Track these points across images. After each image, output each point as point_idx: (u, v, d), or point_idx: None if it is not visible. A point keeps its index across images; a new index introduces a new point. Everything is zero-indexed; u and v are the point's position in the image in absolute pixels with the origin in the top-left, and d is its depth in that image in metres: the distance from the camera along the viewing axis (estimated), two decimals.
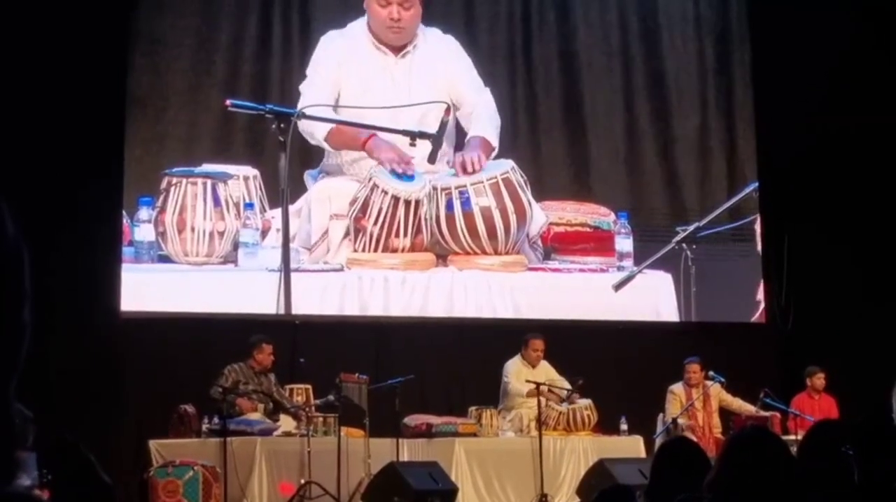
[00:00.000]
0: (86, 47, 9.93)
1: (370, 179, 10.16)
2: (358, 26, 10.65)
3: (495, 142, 10.68)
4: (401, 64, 10.62)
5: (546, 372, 10.37)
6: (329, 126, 10.22)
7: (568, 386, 10.25)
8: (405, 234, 10.22)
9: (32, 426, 3.64)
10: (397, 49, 10.63)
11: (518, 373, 10.31)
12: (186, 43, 10.70)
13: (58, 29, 9.86)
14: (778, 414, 10.52)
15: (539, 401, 9.87)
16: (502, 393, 10.37)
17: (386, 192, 10.11)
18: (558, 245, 11.04)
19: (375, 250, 10.23)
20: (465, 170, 10.31)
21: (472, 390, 10.72)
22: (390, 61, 10.61)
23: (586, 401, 10.23)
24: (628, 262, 11.09)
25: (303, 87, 10.44)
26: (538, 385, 9.93)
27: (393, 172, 10.16)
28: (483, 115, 10.72)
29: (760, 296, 11.79)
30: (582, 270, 11.03)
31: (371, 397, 9.71)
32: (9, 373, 1.39)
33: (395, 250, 10.27)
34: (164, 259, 10.11)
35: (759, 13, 12.19)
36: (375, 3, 10.54)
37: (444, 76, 10.68)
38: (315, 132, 10.20)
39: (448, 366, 10.87)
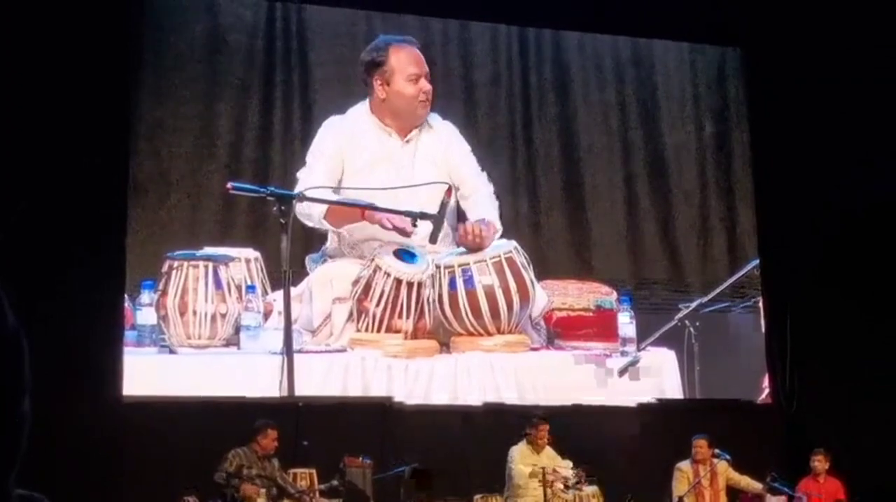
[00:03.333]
0: (87, 133, 10.01)
1: (372, 260, 10.16)
2: (360, 109, 10.69)
3: (498, 225, 10.71)
4: (406, 149, 10.66)
5: (551, 458, 10.28)
6: (325, 206, 10.22)
7: (572, 472, 10.16)
8: (408, 316, 10.19)
9: None
10: (404, 131, 10.67)
11: (523, 459, 10.22)
12: (188, 128, 10.78)
13: (60, 116, 9.93)
14: (784, 498, 10.46)
15: (545, 490, 9.78)
16: (507, 479, 10.28)
17: (388, 274, 10.10)
18: (561, 329, 11.01)
19: (378, 331, 10.20)
20: (468, 236, 10.30)
21: (477, 476, 10.62)
22: (396, 145, 10.64)
23: (592, 489, 10.11)
24: (631, 347, 11.06)
25: (301, 174, 10.43)
26: (543, 470, 9.84)
27: (396, 254, 10.16)
28: (485, 199, 10.75)
29: (765, 375, 11.75)
30: (586, 356, 11.00)
31: (376, 483, 9.63)
32: (8, 464, 1.37)
33: (397, 331, 10.24)
34: (166, 342, 10.08)
35: (756, 92, 12.30)
36: (403, 82, 10.56)
37: (445, 161, 10.71)
38: (313, 213, 10.19)
39: (453, 452, 10.78)
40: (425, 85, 10.58)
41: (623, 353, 11.03)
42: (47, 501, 1.51)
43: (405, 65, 10.58)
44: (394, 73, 10.58)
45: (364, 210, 10.14)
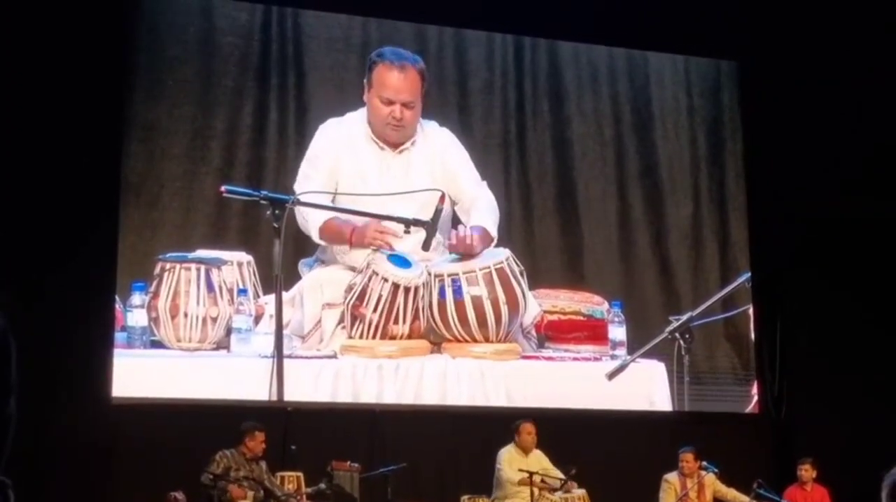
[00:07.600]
0: (80, 134, 10.00)
1: (368, 266, 10.15)
2: (357, 117, 10.67)
3: (494, 233, 10.69)
4: (399, 159, 10.64)
5: (539, 460, 10.29)
6: (322, 222, 10.23)
7: (561, 475, 10.17)
8: (404, 321, 10.19)
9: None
10: (395, 145, 10.67)
11: (511, 462, 10.23)
12: (181, 130, 10.75)
13: (54, 116, 9.93)
14: None
15: (532, 491, 9.79)
16: (495, 482, 10.28)
17: (386, 280, 10.09)
18: (552, 333, 11.02)
19: (374, 337, 10.18)
20: (458, 243, 10.30)
21: (465, 479, 10.63)
22: (388, 156, 10.63)
23: (580, 491, 10.14)
24: (622, 351, 11.07)
25: (301, 172, 10.46)
26: (531, 474, 9.85)
27: (391, 258, 10.16)
28: (483, 208, 10.73)
29: (754, 385, 11.77)
30: (575, 359, 11.00)
31: (363, 485, 9.62)
32: None
33: (393, 337, 10.23)
34: (157, 344, 10.04)
35: (751, 104, 12.32)
36: (377, 100, 10.56)
37: (442, 171, 10.70)
38: (310, 229, 10.24)
39: (441, 455, 10.79)
40: (396, 111, 10.51)
41: (613, 357, 11.04)
42: (9, 482, 1.50)
43: (382, 85, 10.56)
44: (372, 87, 10.60)
45: (350, 236, 10.15)
